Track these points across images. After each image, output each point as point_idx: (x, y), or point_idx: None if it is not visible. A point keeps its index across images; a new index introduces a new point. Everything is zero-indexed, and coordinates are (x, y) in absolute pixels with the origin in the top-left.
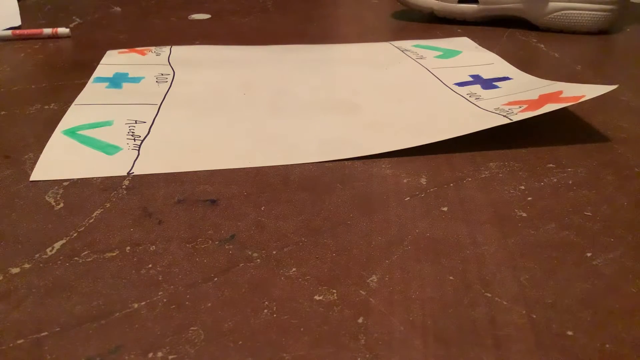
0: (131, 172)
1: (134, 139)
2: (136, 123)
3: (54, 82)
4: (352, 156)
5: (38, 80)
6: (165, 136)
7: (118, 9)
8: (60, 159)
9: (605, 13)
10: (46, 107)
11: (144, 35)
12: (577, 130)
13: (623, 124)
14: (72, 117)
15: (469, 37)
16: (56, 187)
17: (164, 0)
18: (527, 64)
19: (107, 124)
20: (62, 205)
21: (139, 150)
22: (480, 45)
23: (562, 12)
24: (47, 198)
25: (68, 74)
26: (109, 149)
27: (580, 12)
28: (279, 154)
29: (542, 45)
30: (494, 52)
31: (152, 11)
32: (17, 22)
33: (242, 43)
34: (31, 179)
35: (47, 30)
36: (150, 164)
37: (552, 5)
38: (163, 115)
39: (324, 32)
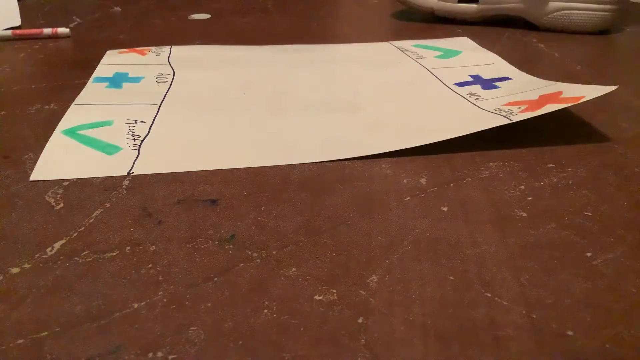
0: (131, 172)
1: (134, 139)
2: (136, 123)
3: (54, 82)
4: (352, 156)
5: (38, 80)
6: (165, 136)
7: (118, 9)
8: (60, 159)
9: (605, 13)
10: (46, 107)
11: (144, 35)
12: (577, 130)
13: (623, 124)
14: (72, 117)
15: (469, 37)
16: (56, 187)
17: (164, 0)
18: (527, 64)
19: (107, 123)
20: (62, 205)
21: (139, 150)
22: (480, 45)
23: (562, 12)
24: (47, 198)
25: (68, 73)
26: (109, 149)
27: (581, 12)
28: (279, 154)
29: (542, 45)
30: (494, 52)
31: (152, 11)
32: (17, 22)
33: (242, 43)
34: (31, 179)
35: (47, 30)
36: (150, 164)
37: (552, 5)
38: (163, 115)
39: (324, 32)
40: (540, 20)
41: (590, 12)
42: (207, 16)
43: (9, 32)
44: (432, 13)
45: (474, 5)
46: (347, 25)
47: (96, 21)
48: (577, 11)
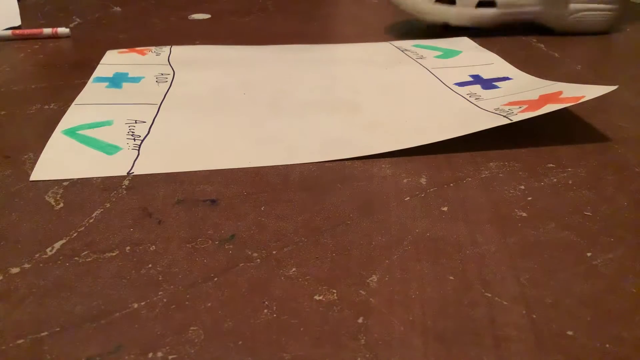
0: (131, 172)
1: (134, 139)
2: (136, 123)
3: (54, 82)
4: (352, 156)
5: (38, 80)
6: (165, 136)
7: (118, 8)
8: (60, 159)
9: (610, 13)
10: (46, 107)
11: (143, 35)
12: (577, 130)
13: (623, 123)
14: (72, 117)
15: (468, 37)
16: (56, 187)
17: (164, 0)
18: (527, 64)
19: (107, 123)
20: (62, 205)
21: (139, 150)
22: (479, 44)
23: (581, 13)
24: (47, 198)
25: (68, 73)
26: (109, 149)
27: (596, 12)
28: (279, 154)
29: (542, 45)
30: (493, 52)
31: (152, 11)
32: (17, 22)
33: (242, 43)
34: (31, 179)
35: (47, 30)
36: (150, 164)
37: (572, 7)
38: (163, 115)
39: (324, 32)
40: (558, 23)
41: (604, 12)
42: (207, 16)
43: (9, 32)
44: (446, 24)
45: (493, 10)
46: (347, 25)
47: (96, 21)
48: (594, 12)
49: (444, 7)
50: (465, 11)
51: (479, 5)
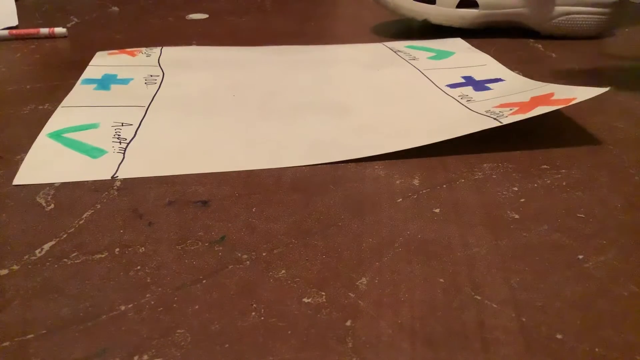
0: (115, 175)
1: (120, 142)
2: (122, 125)
3: (50, 82)
4: (343, 159)
5: (33, 80)
6: (152, 139)
7: (116, 8)
8: (44, 163)
9: (605, 17)
10: (40, 107)
11: (141, 35)
12: (572, 131)
13: (619, 124)
14: (58, 119)
15: (465, 37)
16: (47, 188)
17: (162, 0)
18: (525, 65)
19: (93, 126)
20: (52, 206)
21: (124, 153)
22: (476, 45)
23: (568, 16)
24: (38, 199)
25: (64, 74)
26: (94, 152)
27: (586, 15)
28: (269, 157)
29: (540, 46)
30: (491, 52)
31: (149, 11)
32: (14, 21)
33: (239, 43)
34: (14, 182)
35: (44, 30)
36: (135, 168)
37: (558, 9)
38: (150, 118)
39: (321, 31)
40: (543, 26)
41: (594, 16)
42: (204, 16)
43: (6, 31)
44: (426, 20)
45: (474, 10)
46: (344, 26)
47: (94, 21)
48: (583, 15)
49: (424, 5)
50: (445, 11)
51: (460, 5)
